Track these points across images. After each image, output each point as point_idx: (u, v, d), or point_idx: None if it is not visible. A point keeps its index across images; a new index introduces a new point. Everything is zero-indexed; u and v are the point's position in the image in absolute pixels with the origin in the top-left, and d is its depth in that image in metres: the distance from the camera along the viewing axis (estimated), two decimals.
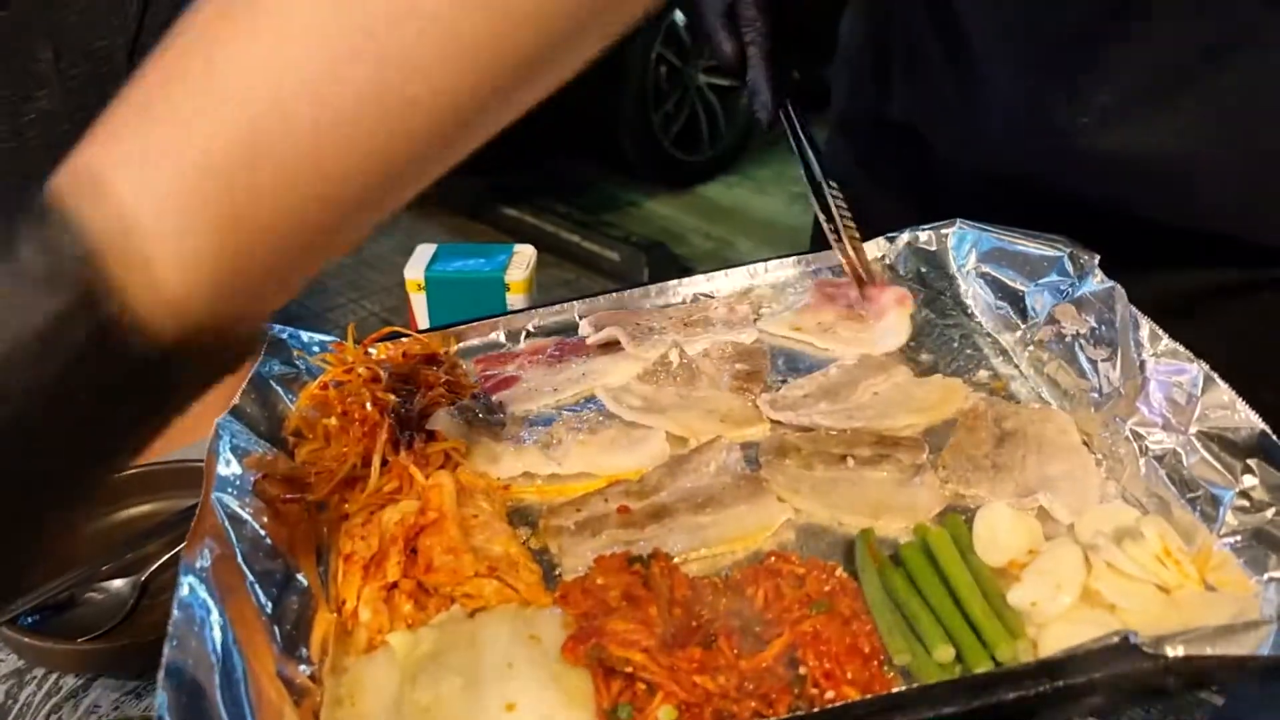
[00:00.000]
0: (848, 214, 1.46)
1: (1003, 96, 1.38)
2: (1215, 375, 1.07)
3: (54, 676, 1.16)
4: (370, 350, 1.36)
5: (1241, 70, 1.20)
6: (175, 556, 1.23)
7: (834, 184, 1.46)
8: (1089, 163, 1.31)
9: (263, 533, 1.07)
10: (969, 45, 1.41)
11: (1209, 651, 0.83)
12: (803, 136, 1.46)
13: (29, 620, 1.17)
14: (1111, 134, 1.28)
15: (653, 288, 1.53)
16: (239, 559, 1.01)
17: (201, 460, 1.12)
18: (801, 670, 0.91)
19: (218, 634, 0.90)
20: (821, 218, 1.45)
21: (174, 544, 1.25)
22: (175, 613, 0.89)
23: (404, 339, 1.39)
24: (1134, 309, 1.17)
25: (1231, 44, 1.20)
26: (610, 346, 1.43)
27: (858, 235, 1.46)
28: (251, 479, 1.13)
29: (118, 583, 1.23)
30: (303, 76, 0.64)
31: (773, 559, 1.03)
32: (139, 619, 1.21)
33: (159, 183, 0.64)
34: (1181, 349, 1.11)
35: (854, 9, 1.69)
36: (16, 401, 0.62)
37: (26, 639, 1.14)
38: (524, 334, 1.50)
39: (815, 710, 0.88)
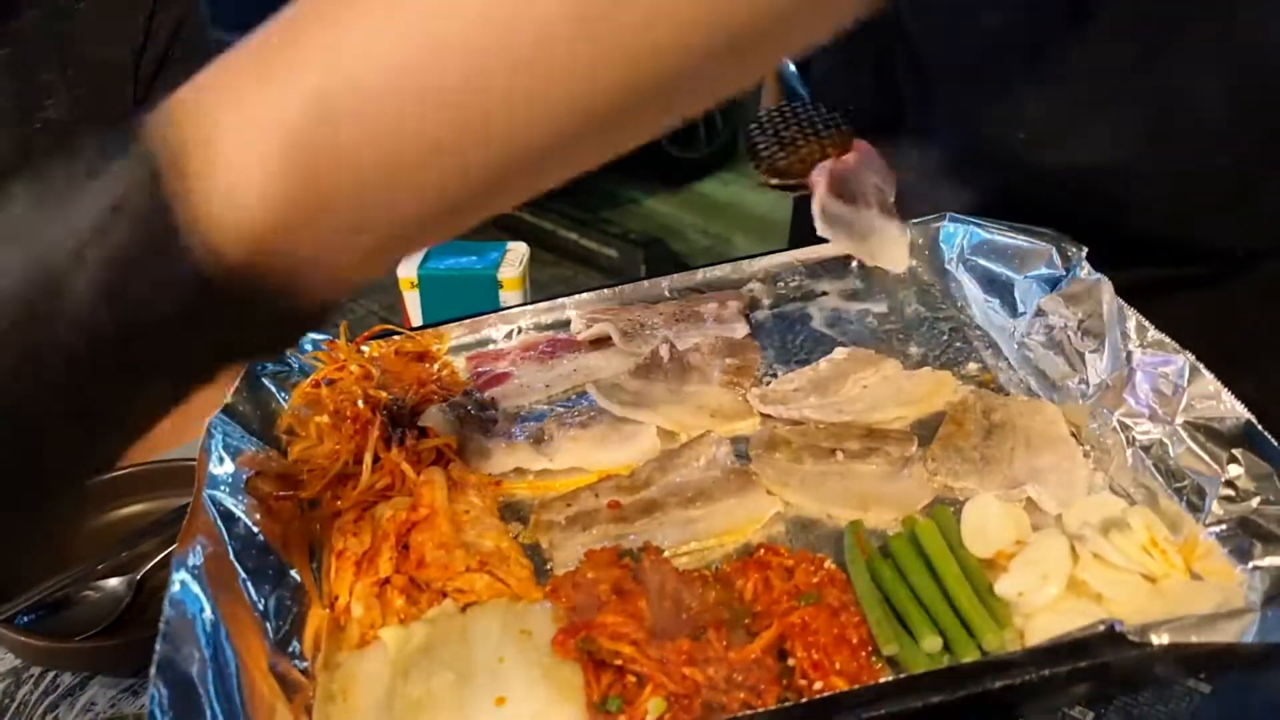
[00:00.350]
0: (816, 121, 1.45)
1: (948, 106, 1.40)
2: (1201, 365, 1.08)
3: (51, 675, 1.17)
4: (363, 348, 1.36)
5: (1156, 89, 1.24)
6: (170, 555, 1.24)
7: (780, 106, 1.44)
8: (1030, 174, 1.34)
9: (255, 530, 1.07)
10: (913, 51, 1.42)
11: (1194, 640, 0.84)
12: None
13: (25, 619, 1.18)
14: (1046, 150, 1.32)
15: (644, 283, 1.53)
16: (231, 556, 1.02)
17: (194, 459, 1.13)
18: (790, 661, 0.92)
19: (210, 630, 0.90)
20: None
21: (169, 543, 1.25)
22: (167, 609, 0.89)
23: (396, 337, 1.40)
24: (1121, 301, 1.18)
25: (1145, 66, 1.23)
26: (601, 342, 1.44)
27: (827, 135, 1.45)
28: (244, 476, 1.13)
29: (113, 581, 1.23)
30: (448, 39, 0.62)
31: (762, 551, 1.03)
32: (135, 617, 1.21)
33: (252, 106, 0.62)
34: (1168, 340, 1.12)
35: None
36: (70, 306, 0.59)
37: (23, 638, 1.14)
38: (516, 331, 1.50)
39: (804, 701, 0.88)
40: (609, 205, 6.08)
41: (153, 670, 0.83)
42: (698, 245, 5.74)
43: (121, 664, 1.16)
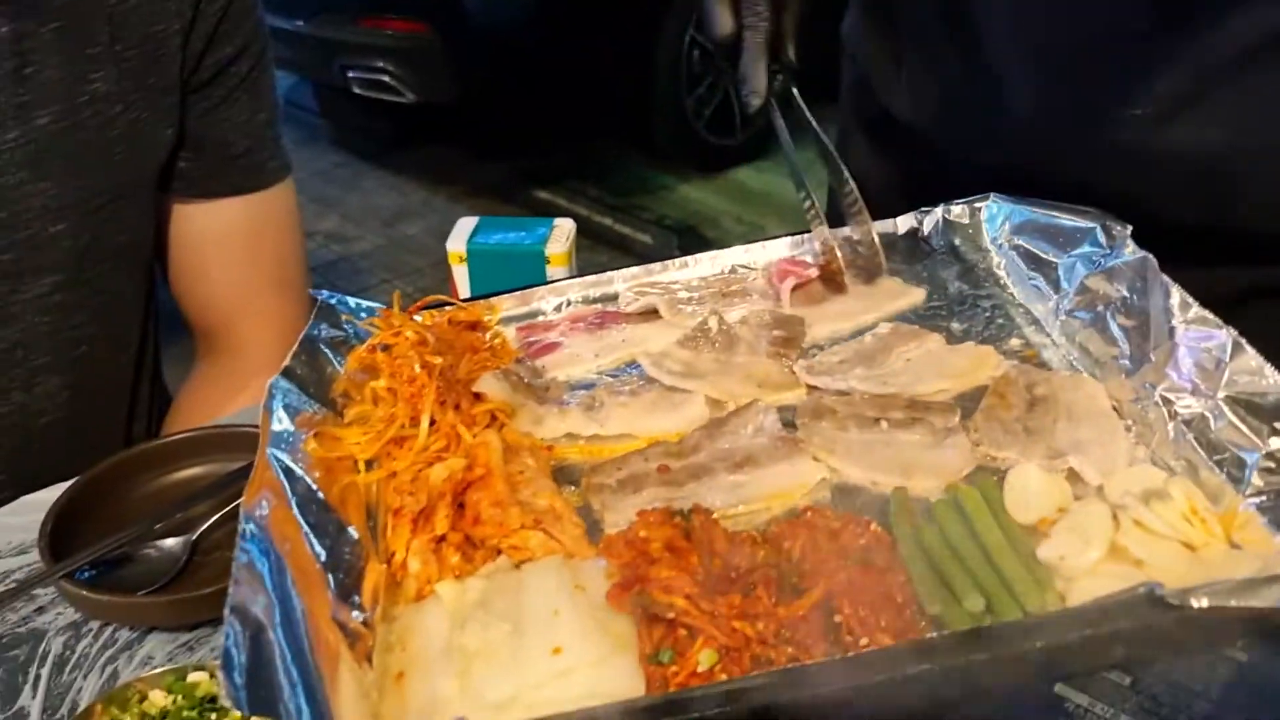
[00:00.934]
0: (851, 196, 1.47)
1: (1020, 94, 1.40)
2: (1244, 340, 1.09)
3: (110, 629, 1.20)
4: (415, 317, 1.38)
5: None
6: (225, 517, 1.28)
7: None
8: (1120, 160, 1.34)
9: (314, 487, 1.10)
10: (981, 45, 1.42)
11: (1233, 604, 0.85)
12: (782, 128, 1.46)
13: (86, 575, 1.21)
14: (1151, 130, 1.31)
15: (690, 259, 1.55)
16: (294, 510, 1.05)
17: (246, 426, 1.15)
18: (837, 618, 0.94)
19: (277, 577, 0.93)
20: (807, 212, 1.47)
21: (223, 505, 1.29)
22: (238, 556, 0.92)
23: (448, 307, 1.42)
24: (1165, 277, 1.19)
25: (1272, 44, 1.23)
26: (650, 314, 1.46)
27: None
28: (303, 436, 1.16)
29: (170, 541, 1.27)
30: None
31: (809, 514, 1.05)
32: (191, 575, 1.25)
33: None
34: (1211, 316, 1.13)
35: (855, 10, 1.69)
36: None
37: (84, 592, 1.18)
38: (565, 303, 1.52)
39: (849, 655, 0.90)
40: (643, 191, 6.10)
41: (226, 611, 0.85)
42: (732, 232, 5.74)
43: (178, 619, 1.20)
